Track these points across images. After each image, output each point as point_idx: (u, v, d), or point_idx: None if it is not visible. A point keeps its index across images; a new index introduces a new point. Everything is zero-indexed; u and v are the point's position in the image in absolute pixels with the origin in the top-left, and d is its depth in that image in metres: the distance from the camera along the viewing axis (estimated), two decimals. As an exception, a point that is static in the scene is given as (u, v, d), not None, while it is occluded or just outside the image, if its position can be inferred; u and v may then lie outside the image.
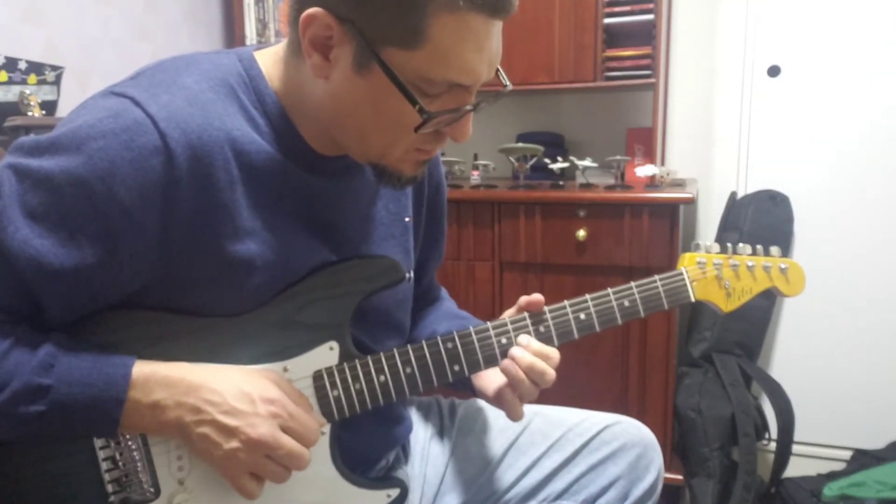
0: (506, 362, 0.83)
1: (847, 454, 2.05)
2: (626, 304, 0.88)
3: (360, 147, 0.76)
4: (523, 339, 0.84)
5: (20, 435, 0.69)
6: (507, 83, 0.77)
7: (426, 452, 1.03)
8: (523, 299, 0.87)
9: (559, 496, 0.97)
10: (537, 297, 0.86)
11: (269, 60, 0.78)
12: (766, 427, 1.97)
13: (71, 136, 0.66)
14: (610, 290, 0.88)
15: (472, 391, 0.94)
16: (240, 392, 0.71)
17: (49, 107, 1.70)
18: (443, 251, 1.06)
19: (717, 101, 2.20)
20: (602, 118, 2.31)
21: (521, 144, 2.03)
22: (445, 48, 0.66)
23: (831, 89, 2.06)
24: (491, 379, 0.89)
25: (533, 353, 0.83)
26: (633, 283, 0.89)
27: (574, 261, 1.88)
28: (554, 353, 0.84)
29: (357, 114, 0.71)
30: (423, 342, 0.83)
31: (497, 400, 0.88)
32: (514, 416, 0.86)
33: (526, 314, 0.86)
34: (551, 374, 0.82)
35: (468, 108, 0.71)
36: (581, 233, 1.84)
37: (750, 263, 0.94)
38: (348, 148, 0.77)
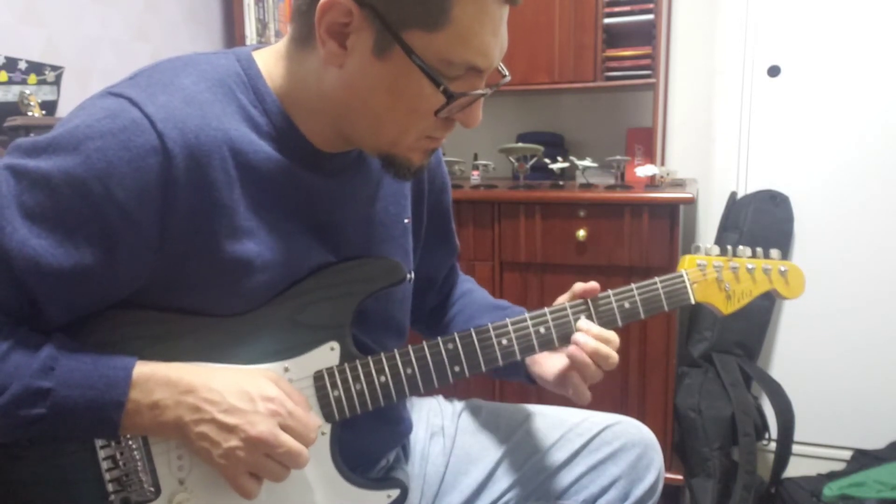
0: (572, 349, 0.84)
1: (847, 454, 2.05)
2: (627, 305, 0.88)
3: (372, 137, 0.76)
4: (584, 323, 0.86)
5: (20, 437, 0.69)
6: (507, 73, 0.79)
7: (426, 452, 1.03)
8: (578, 286, 0.88)
9: (559, 496, 0.97)
10: (593, 284, 0.88)
11: (269, 59, 0.77)
12: (766, 427, 1.97)
13: (68, 136, 0.66)
14: (610, 292, 0.88)
15: (527, 379, 0.94)
16: (239, 391, 0.71)
17: (49, 107, 1.69)
18: (455, 245, 1.07)
19: (717, 101, 2.20)
20: (602, 118, 2.30)
21: (521, 144, 2.03)
22: (466, 30, 0.68)
23: (831, 89, 2.06)
24: (549, 365, 0.90)
25: (595, 338, 0.84)
26: (633, 285, 0.89)
27: (574, 261, 1.88)
28: (614, 337, 0.85)
29: (373, 100, 0.72)
30: (424, 343, 0.83)
31: (560, 385, 0.89)
32: (582, 399, 0.87)
33: (527, 315, 0.86)
34: (615, 357, 0.84)
35: (484, 91, 0.73)
36: (581, 233, 1.84)
37: (750, 266, 0.94)
38: (359, 139, 0.77)
